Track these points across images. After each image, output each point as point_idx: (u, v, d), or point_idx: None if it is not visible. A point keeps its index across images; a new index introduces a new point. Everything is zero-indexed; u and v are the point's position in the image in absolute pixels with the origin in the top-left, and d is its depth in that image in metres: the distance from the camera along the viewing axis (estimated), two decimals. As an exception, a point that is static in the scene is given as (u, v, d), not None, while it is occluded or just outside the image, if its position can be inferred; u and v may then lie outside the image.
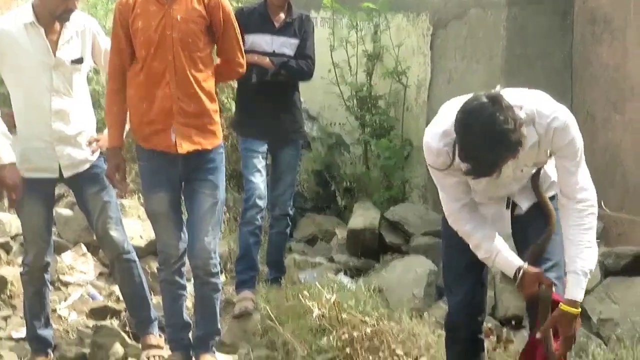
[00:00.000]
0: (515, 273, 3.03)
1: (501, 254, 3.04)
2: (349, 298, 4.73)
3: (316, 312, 4.55)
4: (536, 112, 2.94)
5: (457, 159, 2.89)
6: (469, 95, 2.91)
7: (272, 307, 5.02)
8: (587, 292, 4.59)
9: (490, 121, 2.74)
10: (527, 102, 2.95)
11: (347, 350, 4.32)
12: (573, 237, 2.98)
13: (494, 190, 3.14)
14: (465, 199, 3.10)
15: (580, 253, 2.96)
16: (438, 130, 3.01)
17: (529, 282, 3.00)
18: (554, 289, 3.04)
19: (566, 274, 3.02)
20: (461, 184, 3.07)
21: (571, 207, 2.98)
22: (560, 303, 2.99)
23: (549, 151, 3.04)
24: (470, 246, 3.11)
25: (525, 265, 3.02)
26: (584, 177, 3.00)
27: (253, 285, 5.51)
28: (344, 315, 4.51)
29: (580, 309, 2.99)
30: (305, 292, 4.78)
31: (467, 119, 2.79)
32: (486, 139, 2.74)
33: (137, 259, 4.73)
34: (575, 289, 2.96)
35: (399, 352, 4.17)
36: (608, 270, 4.82)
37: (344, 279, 5.78)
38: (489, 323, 4.59)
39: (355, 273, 6.09)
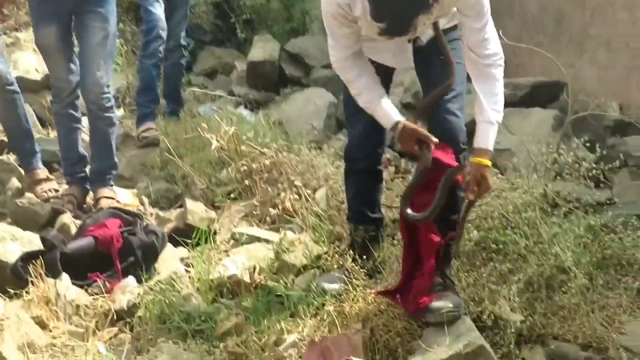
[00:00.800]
0: (394, 127, 2.95)
1: (381, 105, 2.96)
2: (248, 130, 4.65)
3: (215, 144, 4.47)
4: None
5: (360, 14, 2.72)
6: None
7: (171, 141, 4.92)
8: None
9: None
10: None
11: (246, 182, 4.30)
12: (482, 88, 2.89)
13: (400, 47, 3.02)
14: (354, 48, 2.96)
15: (492, 104, 2.89)
16: None
17: (405, 138, 2.95)
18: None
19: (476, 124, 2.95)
20: (353, 34, 2.91)
21: (479, 62, 2.88)
22: (472, 157, 2.94)
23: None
24: (352, 93, 3.01)
25: (403, 120, 2.95)
26: (491, 32, 2.89)
27: (155, 117, 5.40)
28: (243, 148, 4.46)
29: (491, 162, 2.95)
30: (204, 125, 4.67)
31: None
32: None
33: (19, 91, 4.47)
34: (487, 138, 2.91)
35: (298, 183, 4.15)
36: (505, 101, 4.72)
37: (244, 112, 5.69)
38: (387, 154, 4.57)
39: (255, 106, 6.00)
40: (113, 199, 4.34)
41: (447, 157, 2.95)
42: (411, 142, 2.95)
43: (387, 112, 2.99)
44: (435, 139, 2.92)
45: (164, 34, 5.26)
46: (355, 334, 2.94)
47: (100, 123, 4.31)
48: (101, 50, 4.14)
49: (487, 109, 2.90)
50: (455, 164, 2.95)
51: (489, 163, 2.91)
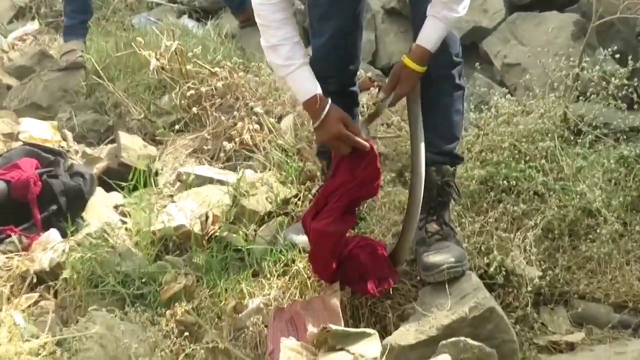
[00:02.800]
0: (311, 104, 2.88)
1: (305, 69, 2.90)
2: (195, 46, 4.58)
3: (154, 63, 4.39)
4: None
5: None
6: None
7: (99, 60, 4.85)
8: (489, 31, 4.54)
9: None
10: None
11: (194, 110, 4.25)
12: None
13: None
14: None
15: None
16: None
17: (331, 125, 2.86)
18: None
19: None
20: None
21: None
22: (404, 56, 2.88)
23: None
24: (269, 44, 2.90)
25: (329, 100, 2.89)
26: None
27: (84, 33, 5.29)
28: (189, 67, 4.38)
29: (426, 68, 2.89)
30: (140, 40, 4.58)
31: None
32: None
33: None
34: (426, 34, 2.84)
35: (258, 110, 4.08)
36: (513, 3, 4.70)
37: (189, 23, 5.63)
38: (368, 72, 4.50)
39: (202, 15, 5.88)
40: None
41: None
42: (335, 133, 2.86)
43: (309, 79, 2.91)
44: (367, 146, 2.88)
45: None
46: (332, 296, 2.89)
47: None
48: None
49: (441, 4, 2.81)
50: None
51: (416, 67, 2.87)
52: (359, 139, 2.87)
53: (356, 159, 2.89)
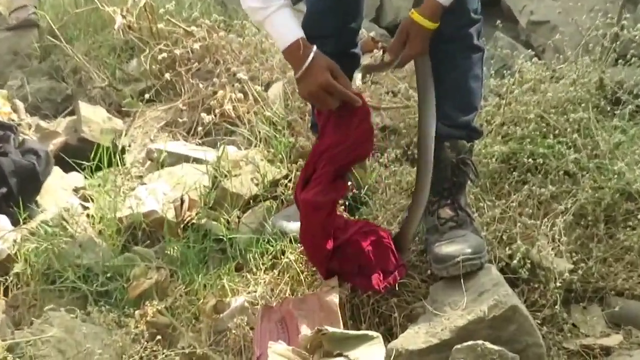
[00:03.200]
0: (294, 49, 2.89)
1: (286, 11, 2.91)
2: (168, 0, 4.57)
3: (119, 21, 4.45)
4: None
5: None
6: None
7: (55, 18, 4.90)
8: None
9: None
10: None
11: (167, 76, 4.29)
12: None
13: None
14: None
15: None
16: None
17: (316, 74, 2.86)
18: None
19: None
20: None
21: None
22: (413, 10, 2.88)
23: None
24: None
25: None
26: None
27: None
28: (161, 26, 4.43)
29: (438, 24, 2.89)
30: None
31: None
32: None
33: None
34: None
35: (242, 75, 4.11)
36: None
37: None
38: (372, 31, 4.51)
39: None
40: None
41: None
42: (322, 83, 2.87)
43: (290, 22, 2.93)
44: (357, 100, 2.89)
45: None
46: (329, 293, 2.89)
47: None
48: None
49: None
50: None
51: (427, 24, 2.87)
52: (348, 92, 2.88)
53: (346, 116, 2.90)
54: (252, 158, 3.64)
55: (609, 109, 3.58)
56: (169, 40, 4.37)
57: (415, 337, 2.69)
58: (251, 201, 3.50)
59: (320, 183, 2.89)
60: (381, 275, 2.90)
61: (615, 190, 3.21)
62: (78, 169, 3.89)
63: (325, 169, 2.90)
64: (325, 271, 2.97)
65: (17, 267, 3.25)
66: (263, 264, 3.15)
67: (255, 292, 3.04)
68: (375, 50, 4.33)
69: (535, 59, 3.87)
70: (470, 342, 2.57)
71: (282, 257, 3.14)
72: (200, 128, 4.06)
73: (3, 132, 3.83)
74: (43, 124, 4.26)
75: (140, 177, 3.83)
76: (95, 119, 4.10)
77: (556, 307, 2.92)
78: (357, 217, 3.26)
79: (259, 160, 3.64)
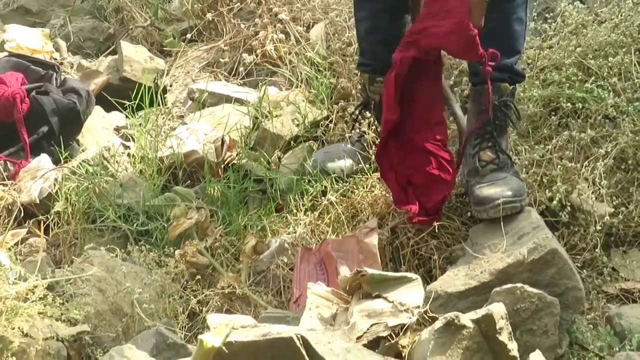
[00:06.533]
0: None
1: None
2: None
3: None
4: None
5: None
6: None
7: None
8: None
9: None
10: None
11: (209, 16, 4.29)
12: None
13: None
14: None
15: None
16: None
17: None
18: None
19: None
20: None
21: None
22: None
23: None
24: None
25: None
26: None
27: None
28: None
29: None
30: None
31: None
32: None
33: None
34: None
35: (284, 16, 4.10)
36: None
37: None
38: None
39: None
40: None
41: None
42: None
43: None
44: None
45: None
46: (368, 235, 2.88)
47: None
48: None
49: None
50: None
51: None
52: None
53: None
54: (293, 99, 3.63)
55: (651, 52, 3.52)
56: (212, -20, 4.37)
57: (454, 280, 2.67)
58: (292, 142, 3.49)
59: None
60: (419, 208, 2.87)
61: (658, 134, 3.17)
62: (120, 109, 3.90)
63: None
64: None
65: (58, 206, 3.27)
66: (303, 204, 3.14)
67: (295, 233, 3.04)
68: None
69: (577, 3, 3.80)
70: (509, 285, 2.54)
71: (323, 198, 3.12)
72: (241, 68, 4.05)
73: (45, 71, 3.85)
74: (85, 63, 4.29)
75: (181, 117, 3.84)
76: (137, 58, 4.12)
77: (596, 250, 2.91)
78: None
79: (300, 101, 3.62)
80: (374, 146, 3.16)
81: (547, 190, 3.00)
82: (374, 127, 3.24)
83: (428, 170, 2.85)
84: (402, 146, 2.89)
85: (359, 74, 3.40)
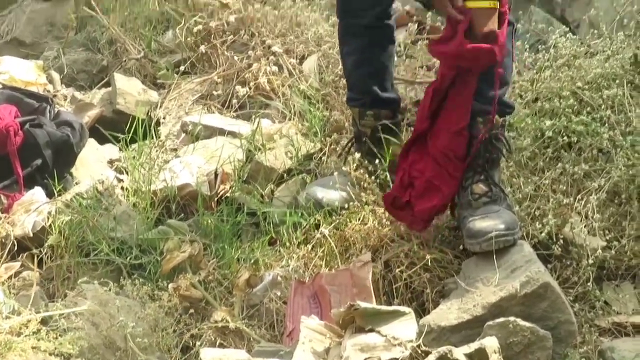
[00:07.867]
0: None
1: None
2: None
3: None
4: None
5: None
6: None
7: None
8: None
9: None
10: None
11: (202, 48, 4.29)
12: None
13: None
14: None
15: None
16: None
17: None
18: None
19: None
20: None
21: None
22: None
23: None
24: None
25: None
26: None
27: None
28: None
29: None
30: None
31: None
32: None
33: None
34: None
35: (277, 49, 4.10)
36: None
37: None
38: (406, 5, 4.47)
39: None
40: None
41: None
42: None
43: None
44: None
45: None
46: (362, 268, 2.89)
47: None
48: None
49: None
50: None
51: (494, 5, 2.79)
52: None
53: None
54: (287, 131, 3.63)
55: (644, 85, 3.53)
56: (205, 12, 4.37)
57: (447, 313, 2.69)
58: (285, 175, 3.49)
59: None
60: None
61: (650, 167, 3.18)
62: (113, 141, 3.89)
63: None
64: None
65: (52, 240, 3.25)
66: (296, 238, 3.13)
67: (288, 266, 3.04)
68: (410, 24, 4.31)
69: (569, 34, 3.83)
70: (502, 319, 2.57)
71: (316, 231, 3.11)
72: (235, 101, 4.05)
73: (38, 103, 3.83)
74: (78, 95, 4.29)
75: (175, 150, 3.84)
76: (130, 90, 4.12)
77: (588, 284, 2.91)
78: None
79: (293, 133, 3.63)
80: (360, 181, 3.17)
81: (539, 224, 3.00)
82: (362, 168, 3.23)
83: (430, 178, 2.90)
84: (418, 149, 2.95)
85: (349, 107, 3.42)
